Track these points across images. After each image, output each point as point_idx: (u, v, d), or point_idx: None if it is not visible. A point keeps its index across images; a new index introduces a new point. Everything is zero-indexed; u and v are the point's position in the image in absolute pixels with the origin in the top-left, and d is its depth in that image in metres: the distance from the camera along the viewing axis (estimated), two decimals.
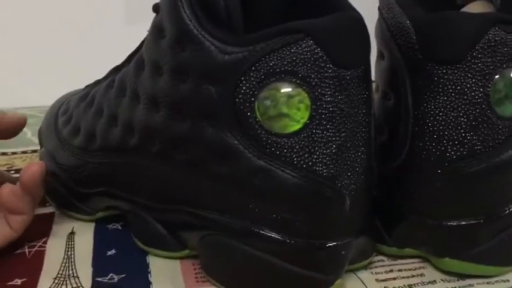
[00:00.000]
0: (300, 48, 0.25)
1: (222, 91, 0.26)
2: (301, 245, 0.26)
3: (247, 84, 0.25)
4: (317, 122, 0.25)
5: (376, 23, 0.33)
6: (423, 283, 0.30)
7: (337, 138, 0.25)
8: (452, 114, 0.28)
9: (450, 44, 0.27)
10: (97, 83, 0.36)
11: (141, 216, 0.32)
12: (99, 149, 0.33)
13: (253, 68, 0.25)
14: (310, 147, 0.25)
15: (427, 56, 0.28)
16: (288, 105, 0.25)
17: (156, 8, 0.29)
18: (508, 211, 0.29)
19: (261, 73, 0.25)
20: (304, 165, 0.26)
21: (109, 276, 0.30)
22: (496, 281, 0.30)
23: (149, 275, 0.30)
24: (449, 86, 0.28)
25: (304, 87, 0.25)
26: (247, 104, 0.26)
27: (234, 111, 0.26)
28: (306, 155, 0.25)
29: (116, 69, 0.34)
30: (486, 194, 0.29)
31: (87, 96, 0.36)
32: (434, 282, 0.30)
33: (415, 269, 0.31)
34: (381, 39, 0.32)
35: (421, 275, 0.31)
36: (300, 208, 0.26)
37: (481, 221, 0.29)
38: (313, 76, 0.25)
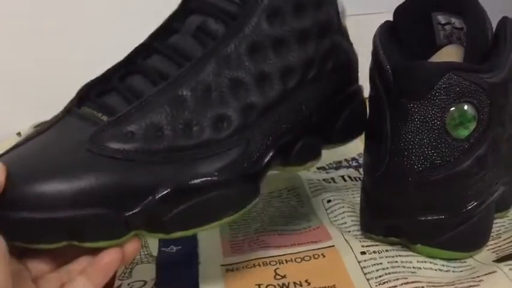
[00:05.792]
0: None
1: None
2: None
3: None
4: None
5: (370, 63, 0.43)
6: (398, 249, 0.40)
7: None
8: (418, 137, 0.37)
9: (416, 85, 0.37)
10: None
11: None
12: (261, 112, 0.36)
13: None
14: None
15: (400, 93, 0.38)
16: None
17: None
18: (465, 209, 0.39)
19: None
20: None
21: (169, 248, 0.42)
22: (454, 261, 0.40)
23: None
24: (416, 116, 0.37)
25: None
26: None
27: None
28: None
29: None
30: (446, 196, 0.38)
31: (180, 97, 0.34)
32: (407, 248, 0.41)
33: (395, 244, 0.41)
34: (371, 77, 0.42)
35: (399, 244, 0.41)
36: None
37: (444, 216, 0.39)
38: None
